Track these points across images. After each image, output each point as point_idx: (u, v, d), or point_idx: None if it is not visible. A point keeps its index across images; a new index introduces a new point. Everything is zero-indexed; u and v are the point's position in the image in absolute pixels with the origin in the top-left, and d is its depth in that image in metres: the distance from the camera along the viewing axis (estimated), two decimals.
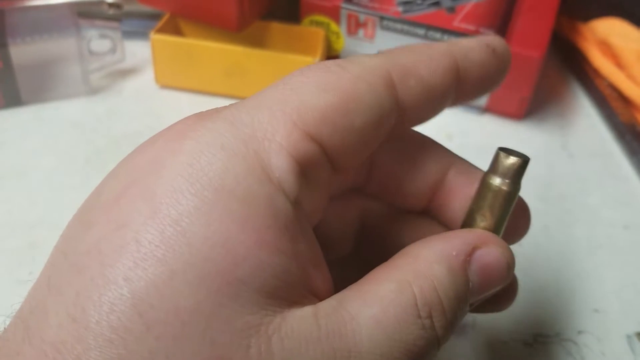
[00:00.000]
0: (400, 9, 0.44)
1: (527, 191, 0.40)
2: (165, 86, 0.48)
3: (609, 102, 0.48)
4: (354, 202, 0.24)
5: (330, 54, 0.48)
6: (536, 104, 0.48)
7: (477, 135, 0.45)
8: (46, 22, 0.44)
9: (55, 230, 0.34)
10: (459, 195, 0.23)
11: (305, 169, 0.18)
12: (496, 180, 0.21)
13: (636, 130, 0.45)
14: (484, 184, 0.22)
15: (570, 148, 0.44)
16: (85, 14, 0.51)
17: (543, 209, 0.40)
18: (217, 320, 0.15)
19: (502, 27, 0.42)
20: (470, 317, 0.33)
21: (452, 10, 0.44)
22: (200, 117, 0.18)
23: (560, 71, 0.53)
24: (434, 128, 0.44)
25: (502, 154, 0.21)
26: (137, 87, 0.48)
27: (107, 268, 0.15)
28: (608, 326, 0.33)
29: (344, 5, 0.45)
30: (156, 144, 0.18)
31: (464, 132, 0.45)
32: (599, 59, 0.50)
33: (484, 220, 0.22)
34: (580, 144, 0.45)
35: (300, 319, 0.16)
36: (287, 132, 0.17)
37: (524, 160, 0.21)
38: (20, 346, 0.16)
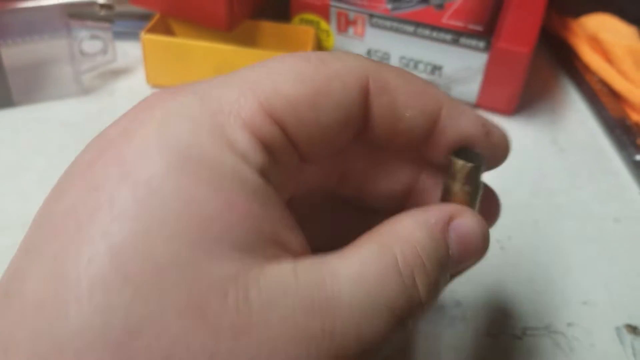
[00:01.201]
0: (389, 6, 0.44)
1: (518, 186, 0.41)
2: (156, 85, 0.48)
3: (599, 97, 0.48)
4: (327, 205, 0.24)
5: None
6: (527, 100, 0.48)
7: None
8: (37, 24, 0.44)
9: None
10: (431, 197, 0.23)
11: (269, 149, 0.18)
12: (456, 186, 0.22)
13: (626, 125, 0.45)
14: (445, 188, 0.22)
15: (560, 143, 0.45)
16: (76, 15, 0.52)
17: (533, 203, 0.40)
18: (193, 271, 0.15)
19: (491, 23, 0.43)
20: (460, 310, 0.33)
21: (440, 7, 0.44)
22: (172, 91, 0.19)
23: (551, 67, 0.53)
24: None
25: (455, 160, 0.22)
26: (129, 86, 0.48)
27: (84, 226, 0.16)
28: (597, 318, 0.33)
29: (333, 3, 0.45)
30: (127, 116, 0.18)
31: None
32: (589, 55, 0.50)
33: None
34: (571, 139, 0.45)
35: (279, 271, 0.17)
36: (252, 112, 0.18)
37: (476, 166, 0.21)
38: (0, 311, 0.16)
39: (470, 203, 0.22)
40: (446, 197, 0.22)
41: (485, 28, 0.42)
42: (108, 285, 0.15)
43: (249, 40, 0.49)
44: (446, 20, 0.43)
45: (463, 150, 0.22)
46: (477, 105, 0.47)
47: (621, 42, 0.49)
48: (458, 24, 0.43)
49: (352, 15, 0.45)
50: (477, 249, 0.21)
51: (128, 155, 0.17)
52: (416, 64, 0.45)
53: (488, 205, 0.24)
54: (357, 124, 0.20)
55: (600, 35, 0.50)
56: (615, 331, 0.33)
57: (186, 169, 0.16)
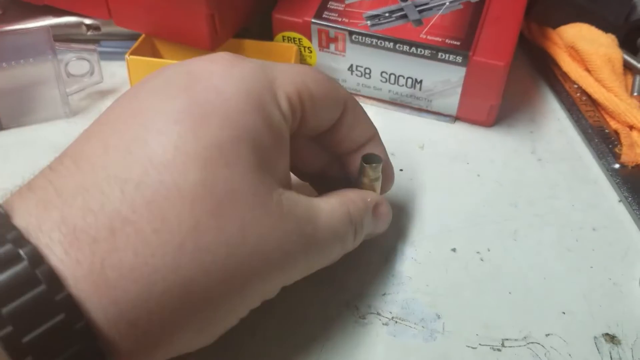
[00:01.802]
0: (368, 22, 0.45)
1: (497, 197, 0.41)
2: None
3: (578, 106, 0.49)
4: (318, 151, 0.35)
5: None
6: (507, 110, 0.49)
7: (449, 143, 0.46)
8: (23, 47, 0.45)
9: None
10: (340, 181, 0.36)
11: (293, 118, 0.29)
12: (365, 180, 0.34)
13: (604, 133, 0.46)
14: (360, 183, 0.34)
15: (539, 152, 0.45)
16: (62, 37, 0.52)
17: (512, 213, 0.41)
18: (258, 177, 0.26)
19: (468, 38, 0.43)
20: (440, 322, 0.34)
21: (419, 22, 0.45)
22: (242, 58, 0.28)
23: (531, 76, 0.54)
24: (407, 137, 0.46)
25: (363, 165, 0.33)
26: None
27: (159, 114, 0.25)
28: (576, 328, 0.34)
29: (314, 20, 0.46)
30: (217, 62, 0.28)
31: (435, 142, 0.46)
32: (568, 64, 0.51)
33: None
34: (550, 148, 0.46)
35: (293, 195, 0.28)
36: (291, 90, 0.28)
37: (376, 164, 0.33)
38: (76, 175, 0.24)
39: (376, 189, 0.34)
40: (360, 185, 0.34)
41: (462, 43, 0.43)
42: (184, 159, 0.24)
43: None
44: (424, 35, 0.44)
45: (366, 157, 0.33)
46: (458, 117, 0.47)
47: (599, 50, 0.50)
48: (436, 39, 0.44)
49: (332, 32, 0.46)
50: (386, 222, 0.35)
51: (218, 86, 0.26)
52: (397, 78, 0.46)
53: (387, 178, 0.36)
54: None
55: (579, 44, 0.50)
56: (594, 340, 0.33)
57: (243, 94, 0.26)
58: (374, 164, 0.33)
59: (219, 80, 0.26)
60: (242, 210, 0.24)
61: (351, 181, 0.35)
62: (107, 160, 0.24)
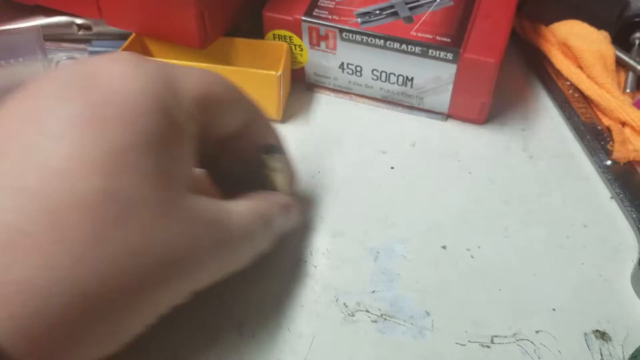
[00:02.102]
0: (358, 20, 0.45)
1: (488, 194, 0.41)
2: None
3: (570, 103, 0.49)
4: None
5: (296, 67, 0.49)
6: (499, 107, 0.49)
7: (440, 141, 0.46)
8: (13, 47, 0.45)
9: None
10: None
11: (198, 119, 0.28)
12: (267, 172, 0.34)
13: (597, 130, 0.46)
14: (264, 177, 0.35)
15: (531, 150, 0.45)
16: (54, 36, 0.52)
17: (503, 211, 0.40)
18: (163, 180, 0.25)
19: (458, 35, 0.43)
20: (429, 321, 0.33)
21: (409, 20, 0.45)
22: (146, 59, 0.27)
23: (524, 74, 0.54)
24: (399, 135, 0.46)
25: (262, 156, 0.34)
26: None
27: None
28: (566, 325, 0.34)
29: (304, 18, 0.46)
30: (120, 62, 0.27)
31: (427, 139, 0.46)
32: (560, 61, 0.51)
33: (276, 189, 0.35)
34: (542, 146, 0.46)
35: (196, 196, 0.27)
36: (197, 93, 0.28)
37: (275, 154, 0.34)
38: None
39: (278, 181, 0.35)
40: (264, 180, 0.35)
41: (452, 40, 0.43)
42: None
43: (224, 57, 0.49)
44: (415, 32, 0.44)
45: (264, 148, 0.34)
46: (450, 115, 0.47)
47: (591, 47, 0.49)
48: (426, 36, 0.43)
49: (322, 30, 0.45)
50: (295, 219, 0.36)
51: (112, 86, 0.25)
52: (388, 75, 0.46)
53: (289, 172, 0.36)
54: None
55: (571, 41, 0.50)
56: (584, 337, 0.33)
57: (155, 109, 0.25)
58: (272, 154, 0.34)
59: (119, 82, 0.25)
60: (146, 218, 0.23)
61: (258, 181, 0.35)
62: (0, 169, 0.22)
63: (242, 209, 0.30)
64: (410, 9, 0.45)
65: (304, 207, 0.40)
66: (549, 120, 0.49)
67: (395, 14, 0.45)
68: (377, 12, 0.45)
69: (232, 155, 0.34)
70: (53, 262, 0.21)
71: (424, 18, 0.45)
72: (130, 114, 0.24)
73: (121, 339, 0.25)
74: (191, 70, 0.29)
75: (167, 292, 0.25)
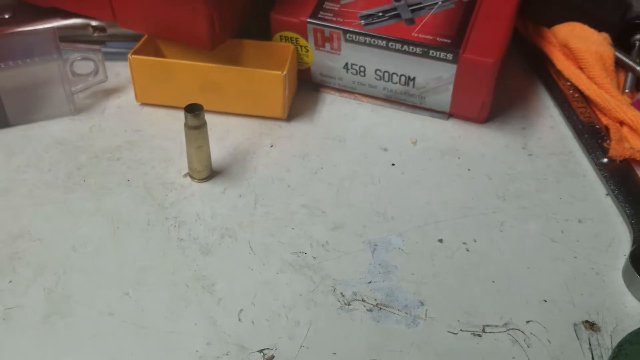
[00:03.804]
0: (362, 22, 0.46)
1: (486, 190, 0.42)
2: (145, 103, 0.50)
3: (570, 103, 0.50)
4: None
5: (302, 67, 0.51)
6: (501, 107, 0.50)
7: (441, 139, 0.47)
8: (30, 47, 0.47)
9: (36, 242, 0.37)
10: None
11: None
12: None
13: (595, 128, 0.47)
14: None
15: (530, 148, 0.46)
16: (70, 38, 0.54)
17: (500, 206, 0.41)
18: None
19: (458, 36, 0.45)
20: (423, 309, 0.35)
21: (411, 21, 0.46)
22: None
23: (526, 74, 0.55)
24: (400, 134, 0.47)
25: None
26: (119, 105, 0.50)
27: None
28: (556, 315, 0.35)
29: (309, 20, 0.47)
30: None
31: (428, 137, 0.47)
32: (561, 62, 0.52)
33: None
34: (541, 144, 0.47)
35: None
36: None
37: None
38: None
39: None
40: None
41: (452, 40, 0.44)
42: None
43: (233, 58, 0.51)
44: (416, 34, 0.45)
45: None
46: (451, 114, 0.48)
47: (590, 48, 0.50)
48: (427, 37, 0.45)
49: (327, 32, 0.47)
50: None
51: None
52: (390, 75, 0.47)
53: None
54: None
55: (571, 42, 0.51)
56: (573, 327, 0.34)
57: None
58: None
59: None
60: None
61: None
62: None
63: None
64: (412, 11, 0.47)
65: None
66: (549, 119, 0.50)
67: (397, 16, 0.47)
68: (380, 14, 0.47)
69: None
70: None
71: (425, 20, 0.46)
72: None
73: None
74: None
75: None
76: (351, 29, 0.46)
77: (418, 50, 0.45)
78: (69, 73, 0.48)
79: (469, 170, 0.44)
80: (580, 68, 0.51)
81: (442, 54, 0.44)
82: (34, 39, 0.48)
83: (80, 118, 0.49)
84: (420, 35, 0.45)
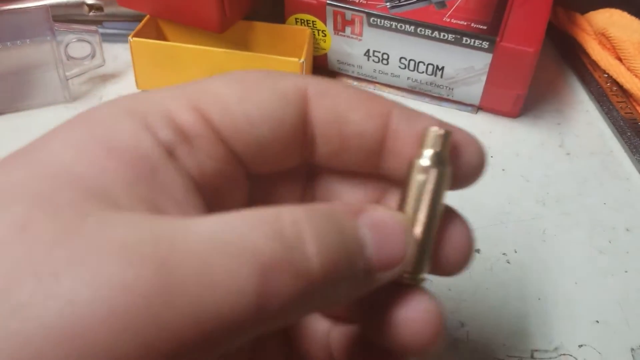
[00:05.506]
0: (387, 5, 0.42)
1: (524, 193, 0.39)
2: (147, 90, 0.46)
3: (608, 97, 0.46)
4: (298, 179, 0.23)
5: (318, 53, 0.47)
6: (532, 100, 0.46)
7: None
8: (20, 27, 0.42)
9: None
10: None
11: (185, 132, 0.18)
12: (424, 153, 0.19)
13: (638, 126, 0.43)
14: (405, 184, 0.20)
15: (567, 146, 0.43)
16: (63, 17, 0.50)
17: (540, 212, 0.38)
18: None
19: (495, 21, 0.41)
20: (464, 331, 0.31)
21: (442, 5, 0.42)
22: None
23: (558, 65, 0.51)
24: None
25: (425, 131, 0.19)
26: (118, 91, 0.46)
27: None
28: (611, 338, 0.31)
29: (329, 1, 0.43)
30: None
31: None
32: (597, 52, 0.48)
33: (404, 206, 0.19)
34: (579, 142, 0.43)
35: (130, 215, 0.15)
36: (176, 105, 0.18)
37: (446, 133, 0.19)
38: None
39: (429, 200, 0.19)
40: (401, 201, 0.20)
41: (489, 27, 0.40)
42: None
43: (242, 41, 0.47)
44: (448, 19, 0.41)
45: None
46: (481, 107, 0.45)
47: (632, 37, 0.46)
48: (460, 22, 0.41)
49: (349, 14, 0.43)
50: (399, 242, 0.18)
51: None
52: (417, 64, 0.43)
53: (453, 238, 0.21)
54: (297, 130, 0.19)
55: (609, 30, 0.47)
56: (631, 353, 0.31)
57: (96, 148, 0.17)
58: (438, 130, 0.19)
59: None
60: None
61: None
62: None
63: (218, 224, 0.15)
64: None
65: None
66: (585, 115, 0.46)
67: None
68: None
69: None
70: None
71: (458, 3, 0.42)
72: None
73: None
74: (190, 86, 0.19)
75: None
76: (376, 12, 0.42)
77: (450, 37, 0.41)
78: (63, 56, 0.44)
79: (503, 170, 0.41)
80: (619, 59, 0.47)
81: (477, 42, 0.40)
82: (24, 18, 0.43)
83: (76, 106, 0.45)
84: (452, 20, 0.41)
